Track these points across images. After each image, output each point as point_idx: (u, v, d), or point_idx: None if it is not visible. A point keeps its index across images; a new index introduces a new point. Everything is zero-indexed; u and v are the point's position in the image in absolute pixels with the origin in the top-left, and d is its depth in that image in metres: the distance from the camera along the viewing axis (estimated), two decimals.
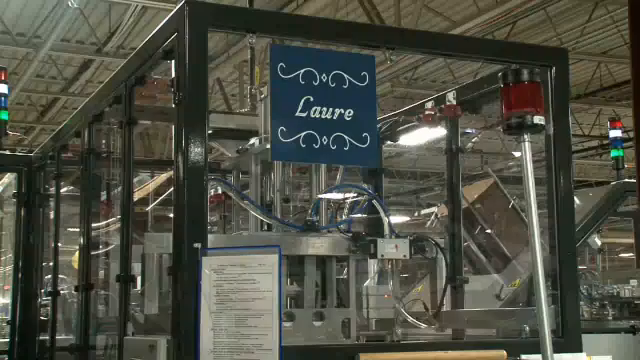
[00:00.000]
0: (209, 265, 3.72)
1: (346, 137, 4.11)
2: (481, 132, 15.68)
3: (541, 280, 3.56)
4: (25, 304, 6.78)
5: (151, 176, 7.17)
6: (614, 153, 9.07)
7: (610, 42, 16.03)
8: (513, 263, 5.92)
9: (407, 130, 5.52)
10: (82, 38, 15.20)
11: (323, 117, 4.07)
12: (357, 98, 4.16)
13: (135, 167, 5.14)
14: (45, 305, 6.61)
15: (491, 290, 5.76)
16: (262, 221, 4.62)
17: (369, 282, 4.66)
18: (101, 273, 5.59)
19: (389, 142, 5.84)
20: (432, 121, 5.20)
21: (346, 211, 4.82)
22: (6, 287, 8.12)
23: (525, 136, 3.66)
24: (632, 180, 7.70)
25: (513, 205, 6.12)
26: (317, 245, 4.38)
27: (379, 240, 4.41)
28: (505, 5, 12.20)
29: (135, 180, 5.63)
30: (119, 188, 4.93)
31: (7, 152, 7.41)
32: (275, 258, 3.65)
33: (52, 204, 6.61)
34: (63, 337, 6.04)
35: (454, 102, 5.17)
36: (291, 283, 4.42)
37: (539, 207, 3.63)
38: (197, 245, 3.71)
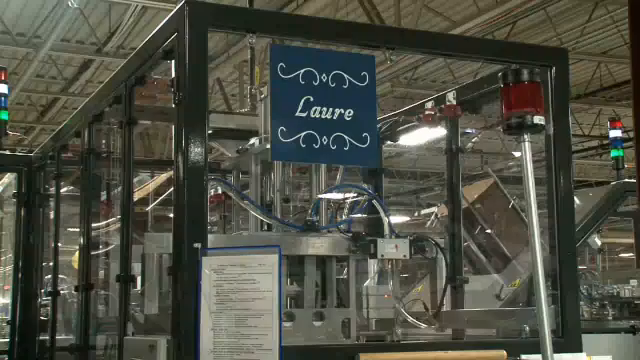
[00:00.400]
0: (209, 265, 3.72)
1: (346, 137, 4.11)
2: (481, 132, 15.69)
3: (541, 280, 3.56)
4: (25, 304, 6.78)
5: (151, 176, 7.17)
6: (614, 153, 9.07)
7: (610, 42, 16.03)
8: (513, 263, 5.92)
9: (407, 130, 5.52)
10: (82, 38, 15.20)
11: (323, 117, 4.07)
12: (357, 98, 4.16)
13: (135, 167, 5.14)
14: (45, 305, 6.61)
15: (491, 290, 5.76)
16: (262, 221, 4.62)
17: (369, 282, 4.66)
18: (101, 273, 5.59)
19: (389, 142, 5.84)
20: (432, 121, 5.20)
21: (346, 211, 4.82)
22: (6, 287, 8.12)
23: (525, 136, 3.66)
24: (632, 180, 7.70)
25: (513, 205, 6.12)
26: (317, 245, 4.38)
27: (379, 240, 4.41)
28: (505, 5, 12.20)
29: (135, 180, 5.63)
30: (119, 188, 4.92)
31: (7, 152, 7.41)
32: (275, 258, 3.65)
33: (52, 204, 6.61)
34: (63, 337, 6.04)
35: (454, 102, 5.17)
36: (291, 283, 4.42)
37: (539, 207, 3.63)
38: (197, 245, 3.71)
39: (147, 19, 14.03)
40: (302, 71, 4.05)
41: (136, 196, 5.91)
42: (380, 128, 5.46)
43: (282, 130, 3.98)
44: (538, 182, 3.74)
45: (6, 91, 7.32)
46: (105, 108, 5.24)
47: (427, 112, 5.21)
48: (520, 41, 14.27)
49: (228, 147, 5.14)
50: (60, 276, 6.41)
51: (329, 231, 4.54)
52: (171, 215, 3.97)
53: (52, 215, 6.56)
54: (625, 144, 9.60)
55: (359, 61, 4.27)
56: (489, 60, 5.04)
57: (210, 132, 4.07)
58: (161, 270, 4.32)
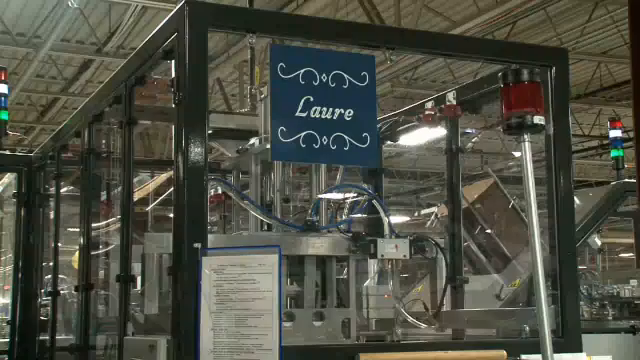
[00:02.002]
0: (209, 265, 3.72)
1: (346, 137, 4.11)
2: (481, 132, 15.69)
3: (541, 280, 3.56)
4: (25, 304, 6.78)
5: (151, 176, 7.17)
6: (614, 153, 9.07)
7: (610, 42, 16.03)
8: (513, 263, 5.92)
9: (407, 130, 5.52)
10: (82, 38, 15.20)
11: (323, 117, 4.07)
12: (357, 98, 4.16)
13: (135, 167, 5.14)
14: (45, 305, 6.61)
15: (491, 290, 5.76)
16: (262, 221, 4.62)
17: (369, 282, 4.66)
18: (101, 273, 5.59)
19: (389, 142, 5.84)
20: (432, 121, 5.20)
21: (346, 211, 4.82)
22: (6, 287, 8.12)
23: (525, 136, 3.66)
24: (632, 180, 7.70)
25: (513, 205, 6.12)
26: (317, 245, 4.38)
27: (379, 240, 4.41)
28: (505, 5, 12.20)
29: (135, 180, 5.63)
30: (119, 188, 4.92)
31: (7, 152, 7.40)
32: (275, 258, 3.65)
33: (52, 204, 6.61)
34: (63, 337, 6.04)
35: (454, 102, 5.17)
36: (291, 283, 4.42)
37: (539, 207, 3.62)
38: (197, 245, 3.71)
39: (147, 19, 14.03)
40: (302, 71, 4.05)
41: (136, 196, 5.91)
42: (380, 128, 5.46)
43: (282, 130, 3.98)
44: (538, 182, 3.73)
45: (6, 91, 7.32)
46: (105, 108, 5.24)
47: (427, 112, 5.21)
48: (520, 41, 14.27)
49: (228, 147, 5.14)
50: (60, 276, 6.41)
51: (329, 231, 4.54)
52: (171, 215, 3.97)
53: (52, 215, 6.56)
54: (625, 144, 9.60)
55: (359, 61, 4.27)
56: (489, 60, 5.04)
57: (210, 132, 4.07)
58: (161, 270, 4.32)
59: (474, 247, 5.99)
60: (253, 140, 4.62)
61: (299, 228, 4.45)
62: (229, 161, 5.14)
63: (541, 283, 3.55)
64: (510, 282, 5.90)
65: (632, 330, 7.60)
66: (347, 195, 4.84)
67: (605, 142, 19.91)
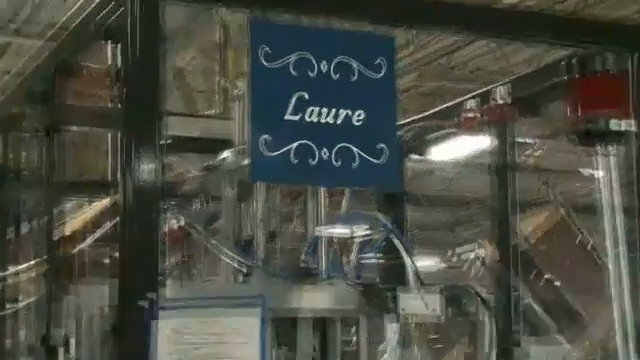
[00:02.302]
0: (165, 327, 3.71)
1: (355, 149, 4.12)
2: (544, 143, 15.67)
3: (627, 344, 3.55)
4: None
5: (84, 204, 7.16)
6: None
7: None
8: (588, 323, 5.91)
9: (440, 139, 5.53)
10: None
11: (323, 121, 4.08)
12: (370, 95, 4.18)
13: (63, 190, 5.13)
14: None
15: (555, 357, 5.75)
16: (238, 266, 4.61)
17: (388, 351, 4.65)
18: (16, 337, 5.58)
19: (415, 156, 5.85)
20: (474, 127, 5.20)
21: (354, 252, 4.82)
22: None
23: (604, 147, 3.65)
24: None
25: (590, 245, 6.11)
26: (315, 300, 4.38)
27: (400, 292, 4.41)
28: None
29: (63, 209, 5.62)
30: (40, 219, 4.92)
31: None
32: (256, 321, 3.64)
33: None
34: None
35: (506, 101, 5.17)
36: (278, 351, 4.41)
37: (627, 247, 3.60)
38: (147, 300, 3.70)
39: None
40: (294, 57, 4.07)
41: (64, 231, 5.90)
42: (402, 136, 5.47)
43: (265, 140, 3.99)
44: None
45: None
46: (20, 109, 5.25)
47: (468, 114, 5.22)
48: (595, 17, 14.31)
49: (191, 163, 5.15)
50: None
51: (330, 278, 4.54)
52: (107, 261, 3.96)
53: None
54: None
55: (372, 44, 4.29)
56: (550, 43, 5.03)
57: (166, 142, 4.07)
58: (99, 333, 4.32)
59: (534, 303, 5.98)
60: (226, 153, 4.62)
61: (289, 276, 4.45)
62: (192, 182, 5.14)
63: (627, 348, 3.54)
64: (582, 348, 5.89)
65: None
66: (356, 230, 4.84)
67: None
